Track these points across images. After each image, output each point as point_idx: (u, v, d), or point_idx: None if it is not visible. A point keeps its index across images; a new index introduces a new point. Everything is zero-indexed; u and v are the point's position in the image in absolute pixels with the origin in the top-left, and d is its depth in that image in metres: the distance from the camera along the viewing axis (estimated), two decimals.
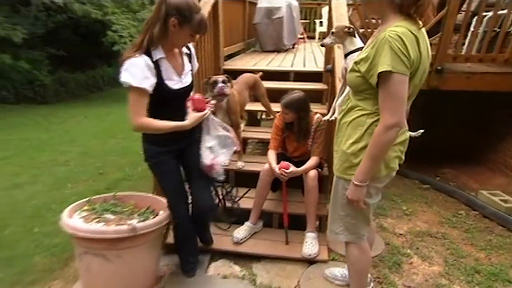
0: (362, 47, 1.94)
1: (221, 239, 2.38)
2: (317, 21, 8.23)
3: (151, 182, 2.40)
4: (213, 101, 1.97)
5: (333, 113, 2.31)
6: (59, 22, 11.58)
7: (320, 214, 2.43)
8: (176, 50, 1.79)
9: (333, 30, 2.29)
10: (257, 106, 3.39)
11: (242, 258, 2.29)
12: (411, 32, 1.28)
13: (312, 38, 8.02)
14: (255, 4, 5.76)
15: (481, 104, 4.12)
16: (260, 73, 3.33)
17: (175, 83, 1.75)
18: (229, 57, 4.74)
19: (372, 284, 1.96)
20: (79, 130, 7.18)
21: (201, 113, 1.79)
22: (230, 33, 4.54)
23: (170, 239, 2.25)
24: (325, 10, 7.37)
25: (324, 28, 7.16)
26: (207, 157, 1.90)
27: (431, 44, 3.82)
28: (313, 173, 2.33)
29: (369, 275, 1.95)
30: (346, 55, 2.23)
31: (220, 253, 2.31)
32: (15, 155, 5.07)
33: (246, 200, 2.58)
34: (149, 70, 1.64)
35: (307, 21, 8.75)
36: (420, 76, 1.38)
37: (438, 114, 4.96)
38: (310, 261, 2.24)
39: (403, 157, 1.54)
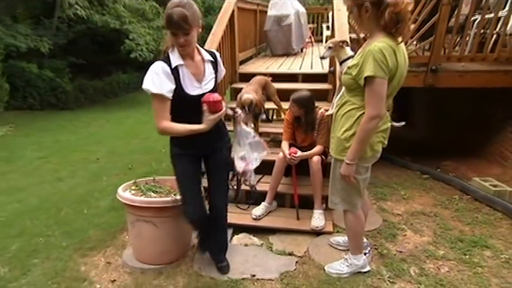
0: (353, 55, 2.38)
1: (242, 217, 2.79)
2: (324, 25, 8.44)
3: None
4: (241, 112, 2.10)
5: (333, 108, 2.73)
6: (78, 32, 12.23)
7: (326, 195, 2.78)
8: (198, 57, 1.84)
9: (330, 45, 2.76)
10: (268, 105, 3.77)
11: (260, 231, 2.69)
12: (390, 46, 1.69)
13: (320, 41, 8.23)
14: (266, 12, 6.14)
15: (479, 101, 4.39)
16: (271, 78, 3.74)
17: (194, 89, 1.80)
18: (242, 62, 5.05)
19: (369, 248, 2.35)
20: (103, 133, 7.67)
21: (216, 115, 1.79)
22: (243, 39, 4.90)
23: None
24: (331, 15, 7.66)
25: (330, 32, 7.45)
26: (240, 166, 2.08)
27: (431, 44, 4.15)
28: (316, 158, 2.74)
29: (365, 240, 2.34)
30: (341, 63, 2.69)
31: (241, 228, 2.72)
32: (50, 155, 5.58)
33: (262, 185, 2.98)
34: (167, 76, 1.71)
35: (314, 25, 8.92)
36: (398, 79, 1.79)
37: (441, 112, 5.24)
38: (317, 233, 2.64)
39: (385, 142, 1.97)
